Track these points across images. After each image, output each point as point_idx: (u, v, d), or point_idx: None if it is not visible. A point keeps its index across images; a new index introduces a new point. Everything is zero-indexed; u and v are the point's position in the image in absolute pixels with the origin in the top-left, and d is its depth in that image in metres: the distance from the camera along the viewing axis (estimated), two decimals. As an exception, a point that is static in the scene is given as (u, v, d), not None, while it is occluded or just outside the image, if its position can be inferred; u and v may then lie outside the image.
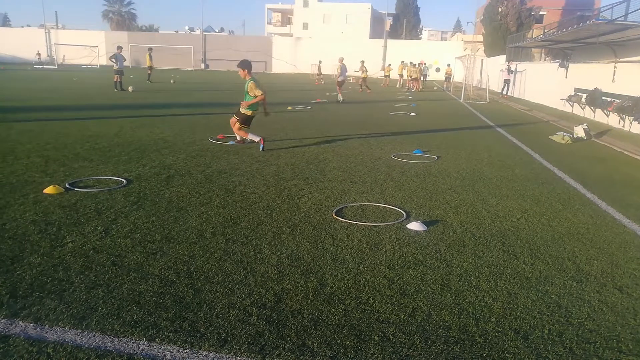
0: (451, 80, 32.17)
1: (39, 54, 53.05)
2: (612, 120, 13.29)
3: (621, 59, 14.03)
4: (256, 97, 7.61)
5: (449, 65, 32.87)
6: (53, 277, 3.07)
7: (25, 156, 6.62)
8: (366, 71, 25.56)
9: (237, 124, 7.90)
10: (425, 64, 36.70)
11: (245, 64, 7.76)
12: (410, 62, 32.47)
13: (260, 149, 7.65)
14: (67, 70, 38.21)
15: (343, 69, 19.30)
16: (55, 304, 2.75)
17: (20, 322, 2.55)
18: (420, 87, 29.73)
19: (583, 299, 3.09)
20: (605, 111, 13.60)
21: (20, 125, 9.38)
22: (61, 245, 3.58)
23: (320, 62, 34.50)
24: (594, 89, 14.49)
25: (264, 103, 7.86)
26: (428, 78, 40.90)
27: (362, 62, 25.38)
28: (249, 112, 7.84)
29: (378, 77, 37.90)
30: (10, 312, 2.64)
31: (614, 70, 13.91)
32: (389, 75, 35.73)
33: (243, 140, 8.09)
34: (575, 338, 2.64)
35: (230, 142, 8.20)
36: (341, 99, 18.27)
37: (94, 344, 2.39)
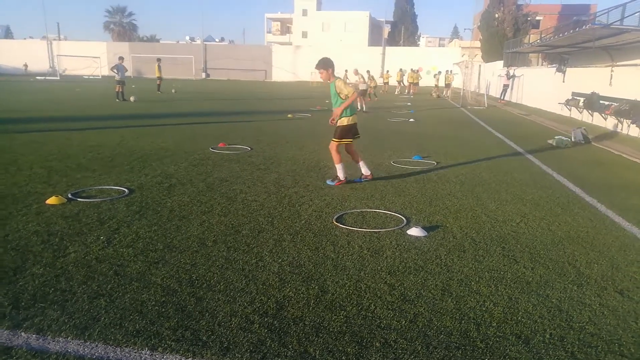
0: (451, 87, 32.28)
1: (25, 65, 53.58)
2: (610, 123, 13.33)
3: (618, 63, 14.10)
4: (348, 96, 5.84)
5: (449, 71, 33.02)
6: (55, 288, 3.08)
7: (28, 167, 6.65)
8: (374, 79, 25.83)
9: (334, 144, 6.00)
10: (421, 70, 37.45)
11: (327, 63, 5.91)
12: (411, 69, 33.71)
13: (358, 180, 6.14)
14: (70, 81, 38.37)
15: (363, 78, 19.16)
16: (57, 314, 2.76)
17: (22, 334, 2.56)
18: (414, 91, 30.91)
19: (584, 303, 3.10)
20: (603, 115, 13.65)
21: (23, 136, 9.43)
22: (64, 256, 3.60)
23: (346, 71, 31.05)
24: (592, 92, 14.56)
25: (344, 105, 5.92)
26: (424, 84, 41.04)
27: (368, 71, 25.42)
28: (345, 122, 5.98)
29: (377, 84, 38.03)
30: (13, 324, 2.65)
31: (611, 74, 13.99)
32: (387, 82, 35.93)
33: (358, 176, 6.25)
34: (577, 342, 2.64)
35: (328, 182, 6.14)
36: (364, 108, 17.75)
37: (96, 354, 2.40)
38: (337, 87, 5.86)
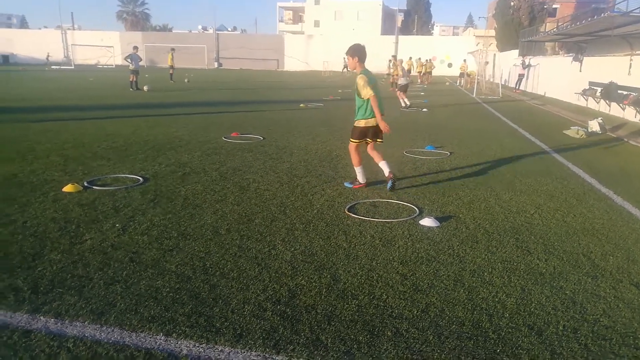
0: (465, 77, 31.76)
1: (48, 55, 53.89)
2: (628, 114, 13.06)
3: (637, 52, 13.77)
4: (363, 99, 5.23)
5: (464, 60, 32.51)
6: (73, 274, 3.15)
7: (45, 155, 6.75)
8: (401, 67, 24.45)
9: (352, 145, 5.52)
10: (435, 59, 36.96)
11: (356, 50, 5.28)
12: (419, 58, 33.52)
13: (388, 187, 5.39)
14: (84, 71, 38.71)
15: (403, 70, 16.51)
16: (75, 299, 2.82)
17: (41, 318, 2.62)
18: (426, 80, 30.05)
19: (598, 295, 3.07)
20: (620, 105, 13.37)
21: (39, 125, 9.56)
22: (80, 242, 3.66)
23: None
24: (609, 82, 14.25)
25: (376, 112, 5.19)
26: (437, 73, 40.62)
27: (394, 56, 23.67)
28: (361, 123, 5.38)
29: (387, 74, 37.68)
30: (32, 308, 2.72)
31: (630, 63, 13.66)
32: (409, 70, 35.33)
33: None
34: (591, 334, 2.62)
35: (345, 184, 5.65)
36: (407, 104, 15.26)
37: (112, 338, 2.45)
38: (357, 82, 5.24)
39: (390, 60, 23.73)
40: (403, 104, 15.12)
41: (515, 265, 3.49)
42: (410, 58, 35.00)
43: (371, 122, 5.30)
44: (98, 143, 7.81)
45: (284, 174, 6.05)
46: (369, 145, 5.52)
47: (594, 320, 2.77)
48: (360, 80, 5.20)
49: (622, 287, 3.20)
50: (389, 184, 5.37)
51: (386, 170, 5.42)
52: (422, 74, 32.64)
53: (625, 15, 12.41)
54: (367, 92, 5.14)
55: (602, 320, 2.77)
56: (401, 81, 16.05)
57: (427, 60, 33.74)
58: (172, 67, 25.61)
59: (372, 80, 5.21)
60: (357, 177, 5.62)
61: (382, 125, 5.20)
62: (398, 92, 15.79)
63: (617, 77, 14.10)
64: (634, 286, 3.21)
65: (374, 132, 5.37)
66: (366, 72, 5.24)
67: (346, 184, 5.64)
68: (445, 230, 4.18)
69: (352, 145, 5.51)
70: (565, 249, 3.82)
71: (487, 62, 28.56)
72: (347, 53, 5.37)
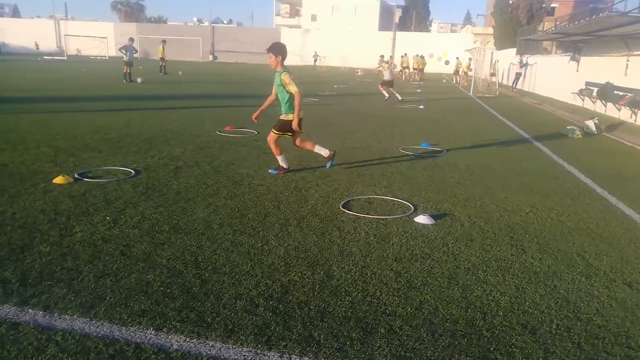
0: (460, 74, 31.73)
1: (36, 44, 53.46)
2: (624, 114, 13.12)
3: (634, 52, 13.81)
4: (292, 92, 5.49)
5: (457, 58, 32.50)
6: (62, 266, 3.10)
7: (35, 146, 6.67)
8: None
9: (273, 136, 5.72)
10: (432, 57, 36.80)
11: (278, 49, 5.52)
12: (416, 55, 33.38)
13: (327, 166, 5.94)
14: (76, 61, 38.34)
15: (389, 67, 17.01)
16: (64, 292, 2.78)
17: (29, 310, 2.58)
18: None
19: (592, 295, 3.06)
20: (616, 105, 13.42)
21: (30, 116, 9.45)
22: (70, 235, 3.61)
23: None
24: (606, 82, 14.30)
25: (297, 108, 5.54)
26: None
27: (382, 56, 24.14)
28: (289, 117, 5.65)
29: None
30: (20, 300, 2.67)
31: (627, 64, 13.71)
32: (406, 67, 35.12)
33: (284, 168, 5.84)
34: (584, 333, 2.62)
35: (270, 170, 5.87)
36: (391, 97, 16.11)
37: (102, 332, 2.41)
38: (282, 79, 5.45)
39: (381, 58, 24.00)
40: (387, 96, 16.17)
41: (509, 263, 3.48)
42: (405, 54, 34.97)
43: (291, 117, 5.60)
44: (90, 135, 7.72)
45: (279, 169, 6.00)
46: (296, 140, 5.82)
47: (587, 319, 2.76)
48: (286, 78, 5.45)
49: (615, 286, 3.19)
50: (329, 163, 5.89)
51: (324, 152, 5.86)
52: (416, 70, 32.66)
53: (623, 16, 12.45)
54: (294, 88, 5.43)
55: (595, 320, 2.76)
56: (386, 76, 16.71)
57: (417, 55, 33.54)
58: (163, 59, 25.41)
59: (293, 76, 5.52)
60: (280, 164, 5.83)
61: (295, 123, 5.57)
62: (380, 86, 16.83)
63: (613, 78, 14.14)
64: (627, 286, 3.21)
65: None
66: (288, 70, 5.54)
67: (270, 171, 5.82)
68: (440, 228, 4.16)
69: (273, 136, 5.70)
70: (560, 248, 3.82)
71: (497, 61, 28.48)
72: (269, 51, 5.56)
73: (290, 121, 5.61)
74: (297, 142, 5.86)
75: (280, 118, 5.69)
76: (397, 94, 16.16)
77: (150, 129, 8.46)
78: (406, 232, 3.99)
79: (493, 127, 11.14)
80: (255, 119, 5.91)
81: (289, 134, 5.71)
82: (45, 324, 2.46)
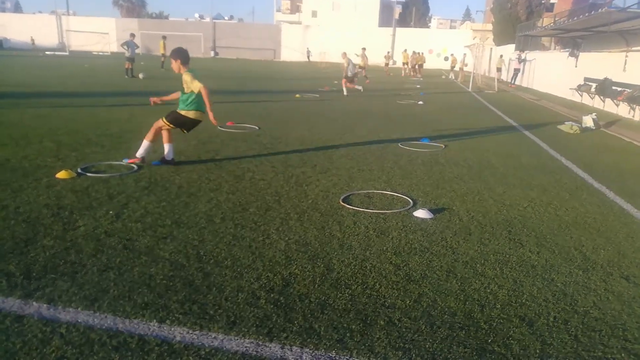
0: (457, 69, 31.70)
1: (32, 39, 53.27)
2: (622, 110, 13.14)
3: (633, 48, 13.81)
4: (194, 92, 5.54)
5: (452, 54, 32.58)
6: (66, 260, 3.13)
7: (38, 141, 6.69)
8: (366, 58, 23.90)
9: (161, 123, 5.70)
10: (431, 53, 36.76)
11: (178, 53, 5.57)
12: (414, 51, 33.48)
13: (153, 163, 5.72)
14: (78, 57, 38.25)
15: (350, 63, 17.26)
16: (67, 285, 2.81)
17: (34, 303, 2.61)
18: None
19: (589, 288, 3.10)
20: (615, 101, 13.44)
21: (33, 111, 9.46)
22: (73, 229, 3.64)
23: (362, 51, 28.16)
24: (604, 78, 14.31)
25: (207, 102, 5.56)
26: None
27: (364, 49, 24.10)
28: (190, 115, 5.69)
29: (381, 66, 37.58)
30: (25, 293, 2.71)
31: (625, 60, 13.72)
32: (406, 63, 35.00)
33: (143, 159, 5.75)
34: (581, 326, 2.66)
35: (124, 160, 5.77)
36: (349, 90, 16.63)
37: (105, 325, 2.45)
38: (183, 79, 5.52)
39: (363, 49, 23.65)
40: (345, 93, 16.42)
41: (507, 257, 3.52)
42: (405, 50, 34.97)
43: (192, 115, 5.65)
44: (92, 130, 7.74)
45: (279, 164, 6.04)
46: (164, 130, 5.72)
47: (584, 312, 2.81)
48: (187, 77, 5.49)
49: (612, 280, 3.24)
50: (159, 162, 5.71)
51: (140, 152, 5.70)
52: (414, 67, 32.66)
53: (622, 11, 12.44)
54: (196, 85, 5.43)
55: (592, 312, 2.80)
56: (349, 72, 17.07)
57: (414, 52, 33.53)
58: (164, 54, 25.61)
59: (197, 75, 5.55)
60: (139, 150, 5.71)
61: (211, 117, 5.57)
62: (344, 80, 16.99)
63: (612, 74, 14.15)
64: (624, 279, 3.25)
65: (191, 125, 5.78)
66: (192, 70, 5.58)
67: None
68: (439, 222, 4.20)
69: (162, 124, 5.64)
70: (557, 242, 3.86)
71: (501, 56, 28.35)
72: (170, 56, 5.72)
73: (187, 117, 5.63)
74: (162, 133, 5.75)
75: (178, 111, 5.65)
76: (357, 87, 17.14)
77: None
78: (405, 226, 4.03)
79: (492, 123, 11.16)
80: (154, 103, 6.10)
81: (185, 130, 5.82)
82: (49, 317, 2.49)
